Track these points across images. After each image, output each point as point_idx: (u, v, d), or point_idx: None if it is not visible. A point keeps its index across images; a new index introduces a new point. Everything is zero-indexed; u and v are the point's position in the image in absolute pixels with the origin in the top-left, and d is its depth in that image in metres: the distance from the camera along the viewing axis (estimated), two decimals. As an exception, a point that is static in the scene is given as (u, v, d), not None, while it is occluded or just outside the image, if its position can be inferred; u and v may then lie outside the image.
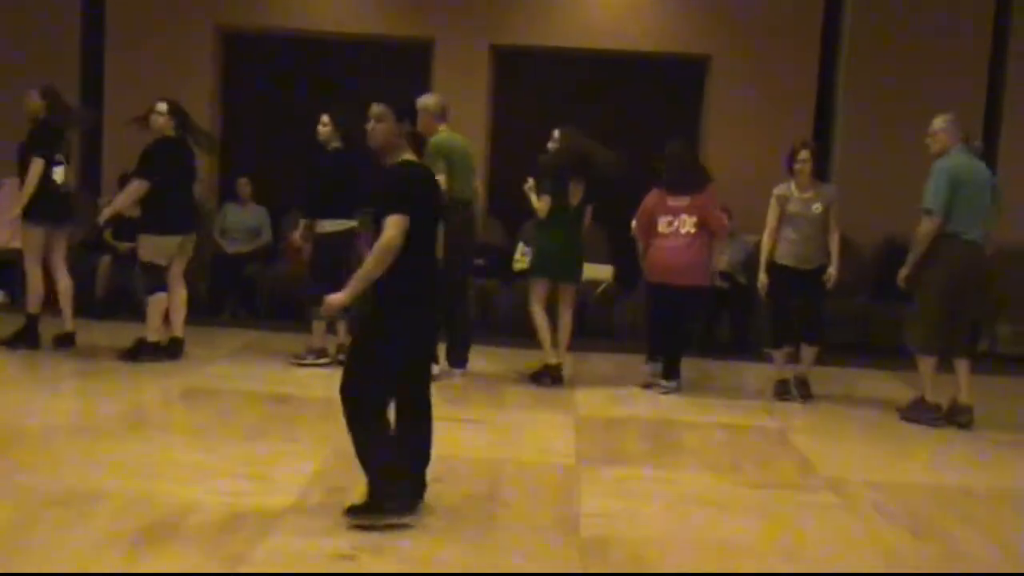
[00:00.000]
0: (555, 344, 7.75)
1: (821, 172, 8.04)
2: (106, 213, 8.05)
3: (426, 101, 7.43)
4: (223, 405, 6.67)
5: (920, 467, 6.28)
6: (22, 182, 7.84)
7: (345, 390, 4.42)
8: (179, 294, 7.96)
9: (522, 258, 9.67)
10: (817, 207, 7.38)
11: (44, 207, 7.83)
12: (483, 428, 6.47)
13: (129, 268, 9.08)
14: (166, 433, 6.07)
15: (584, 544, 4.48)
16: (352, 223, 7.78)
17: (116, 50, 10.60)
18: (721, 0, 10.45)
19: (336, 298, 4.42)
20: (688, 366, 7.96)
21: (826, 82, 10.48)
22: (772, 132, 9.73)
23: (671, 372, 7.65)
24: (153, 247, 7.74)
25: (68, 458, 5.37)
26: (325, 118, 7.92)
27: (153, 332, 7.79)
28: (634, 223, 7.76)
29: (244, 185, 10.34)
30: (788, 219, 7.44)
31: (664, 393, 7.56)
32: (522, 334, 8.46)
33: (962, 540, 4.86)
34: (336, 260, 7.61)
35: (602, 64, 10.72)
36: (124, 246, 9.36)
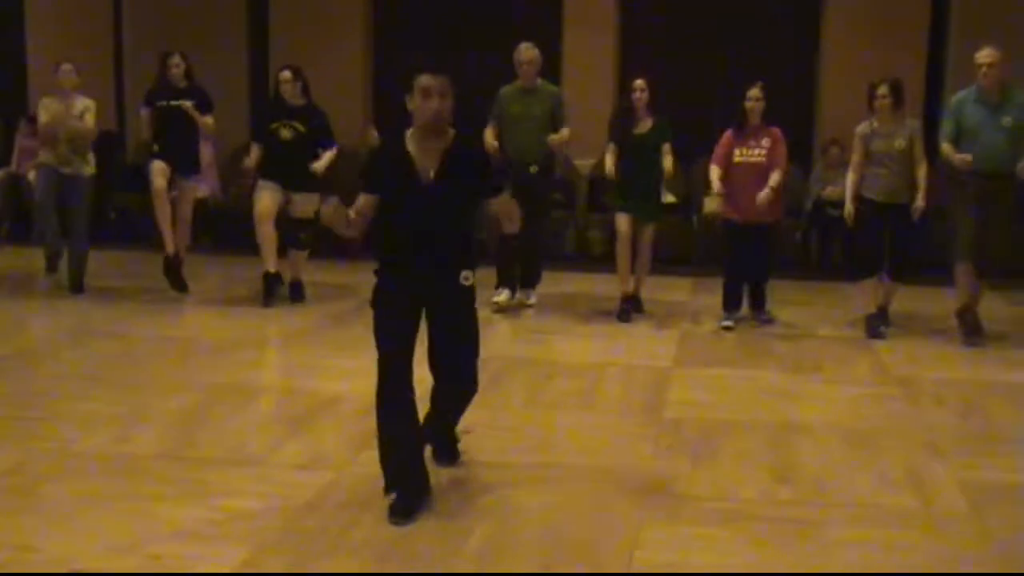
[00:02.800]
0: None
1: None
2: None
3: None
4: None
5: (992, 368, 6.82)
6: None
7: None
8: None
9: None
10: (900, 143, 7.50)
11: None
12: (594, 337, 7.36)
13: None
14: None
15: (663, 423, 5.35)
16: None
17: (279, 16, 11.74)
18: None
19: None
20: (795, 287, 8.70)
21: (939, 19, 10.82)
22: (886, 68, 10.16)
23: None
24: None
25: (241, 362, 6.50)
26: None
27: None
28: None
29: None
30: (873, 156, 7.58)
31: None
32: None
33: (999, 417, 5.55)
34: None
35: (722, 7, 11.31)
36: None
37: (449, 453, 4.68)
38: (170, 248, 8.66)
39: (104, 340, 7.01)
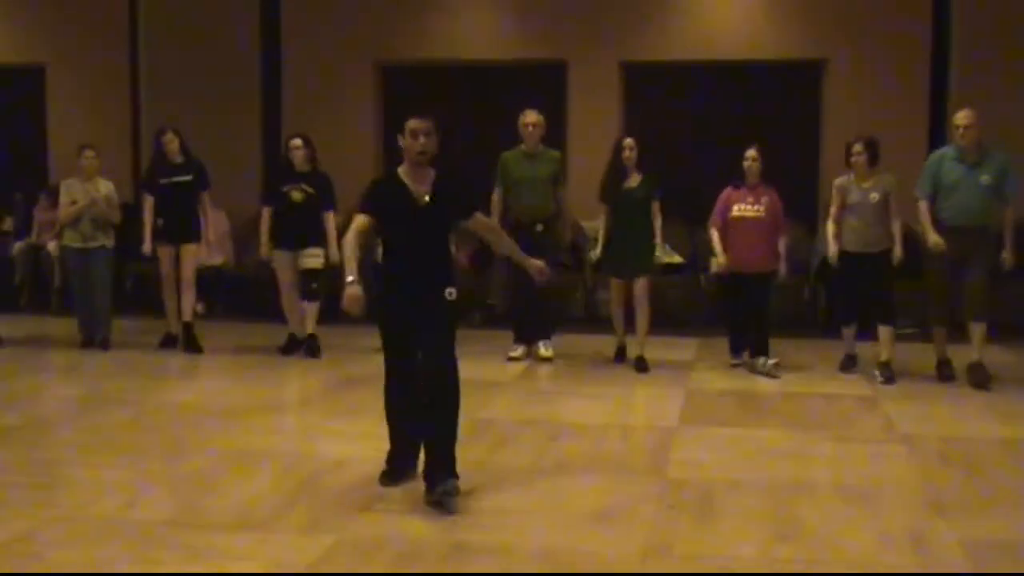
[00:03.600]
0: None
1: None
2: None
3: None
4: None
5: (999, 425, 6.86)
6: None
7: None
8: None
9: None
10: (874, 196, 7.97)
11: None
12: (601, 398, 7.41)
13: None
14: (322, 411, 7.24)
15: (665, 482, 5.38)
16: None
17: (291, 89, 11.97)
18: (834, 5, 11.10)
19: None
20: (805, 345, 8.75)
21: (939, 81, 10.97)
22: (888, 130, 10.29)
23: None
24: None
25: (250, 427, 6.58)
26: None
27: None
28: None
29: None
30: (850, 208, 8.05)
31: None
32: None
33: (1006, 476, 5.55)
34: None
35: (724, 73, 11.50)
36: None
37: (440, 478, 4.85)
38: (174, 329, 9.32)
39: (116, 407, 7.10)
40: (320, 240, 8.86)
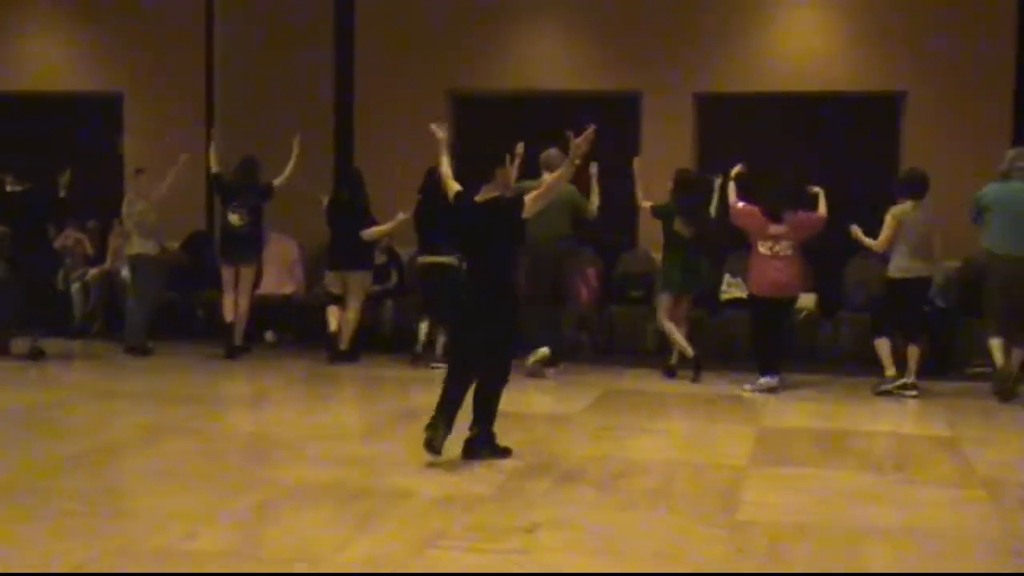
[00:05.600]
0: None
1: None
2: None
3: None
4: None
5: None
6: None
7: None
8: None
9: (729, 288, 10.48)
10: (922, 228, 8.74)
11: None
12: (668, 434, 7.28)
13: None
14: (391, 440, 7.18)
15: (735, 525, 5.23)
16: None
17: (364, 119, 12.03)
18: (913, 37, 10.88)
19: None
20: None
21: (1021, 112, 10.70)
22: (968, 163, 10.09)
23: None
24: None
25: (314, 457, 6.54)
26: None
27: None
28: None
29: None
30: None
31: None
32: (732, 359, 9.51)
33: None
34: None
35: (799, 105, 11.33)
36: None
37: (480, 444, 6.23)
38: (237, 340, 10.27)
39: (181, 436, 7.11)
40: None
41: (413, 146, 11.40)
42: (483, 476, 5.96)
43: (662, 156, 10.85)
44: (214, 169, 10.65)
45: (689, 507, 5.58)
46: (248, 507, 5.44)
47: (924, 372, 9.41)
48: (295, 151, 10.42)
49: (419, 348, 9.84)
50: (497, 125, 12.09)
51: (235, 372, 9.83)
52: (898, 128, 11.17)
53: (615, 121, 11.42)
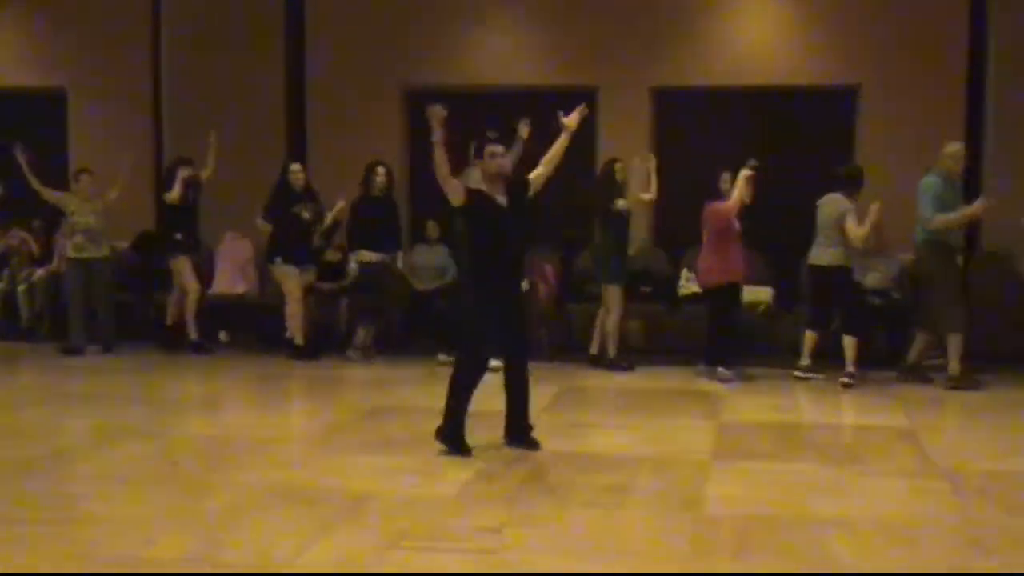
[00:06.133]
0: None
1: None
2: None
3: None
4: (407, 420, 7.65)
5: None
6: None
7: None
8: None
9: (687, 283, 10.47)
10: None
11: None
12: (632, 429, 7.24)
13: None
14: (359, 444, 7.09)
15: (700, 519, 5.20)
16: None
17: (316, 118, 11.91)
18: (867, 30, 10.93)
19: None
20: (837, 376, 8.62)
21: (975, 103, 10.79)
22: (923, 155, 10.12)
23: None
24: None
25: (274, 461, 6.44)
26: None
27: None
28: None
29: (432, 228, 11.24)
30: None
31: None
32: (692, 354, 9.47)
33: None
34: None
35: (755, 99, 11.35)
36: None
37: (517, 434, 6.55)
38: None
39: (138, 440, 6.96)
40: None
41: (366, 141, 11.40)
42: (447, 476, 5.90)
43: (619, 151, 10.83)
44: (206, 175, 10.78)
45: (654, 502, 5.56)
46: (207, 511, 5.33)
47: (880, 364, 9.49)
48: (212, 144, 10.73)
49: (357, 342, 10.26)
50: (452, 121, 11.99)
51: (191, 373, 9.69)
52: (853, 121, 11.22)
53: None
